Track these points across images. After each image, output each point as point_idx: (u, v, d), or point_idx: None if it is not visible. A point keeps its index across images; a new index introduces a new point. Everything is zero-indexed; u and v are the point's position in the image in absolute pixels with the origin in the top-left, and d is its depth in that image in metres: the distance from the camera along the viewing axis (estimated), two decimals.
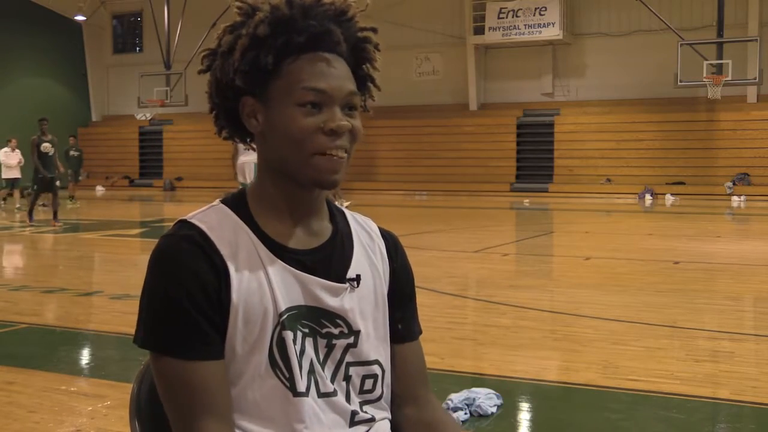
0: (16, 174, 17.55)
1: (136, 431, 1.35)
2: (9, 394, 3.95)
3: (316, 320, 1.27)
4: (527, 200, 21.25)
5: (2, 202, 18.47)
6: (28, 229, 13.00)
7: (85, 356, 5.03)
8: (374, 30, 1.32)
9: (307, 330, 1.26)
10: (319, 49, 1.24)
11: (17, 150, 17.78)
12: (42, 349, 5.01)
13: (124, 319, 5.59)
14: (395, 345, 1.38)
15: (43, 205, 16.74)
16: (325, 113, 1.22)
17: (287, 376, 1.24)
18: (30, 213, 13.71)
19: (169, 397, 1.22)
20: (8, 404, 3.78)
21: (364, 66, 1.32)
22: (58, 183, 14.12)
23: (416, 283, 1.46)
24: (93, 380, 4.27)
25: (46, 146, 13.70)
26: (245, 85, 1.24)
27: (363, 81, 1.33)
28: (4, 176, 17.71)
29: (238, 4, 1.28)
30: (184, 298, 1.19)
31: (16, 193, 17.74)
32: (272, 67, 1.23)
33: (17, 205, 17.27)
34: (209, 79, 1.30)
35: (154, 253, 1.23)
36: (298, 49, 1.23)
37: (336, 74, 1.24)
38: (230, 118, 1.31)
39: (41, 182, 13.74)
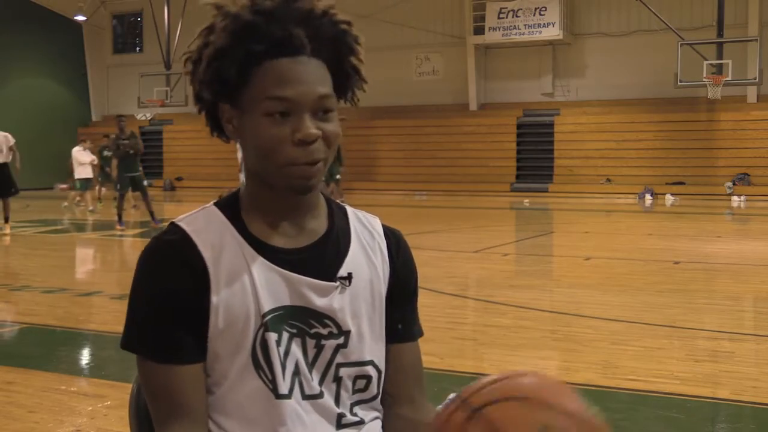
0: (87, 173, 17.08)
1: (135, 431, 1.35)
2: (9, 394, 3.95)
3: (304, 320, 1.26)
4: (527, 200, 21.23)
5: (75, 204, 17.44)
6: (119, 234, 12.35)
7: (85, 356, 5.03)
8: (348, 23, 1.27)
9: (294, 330, 1.25)
10: (282, 55, 1.19)
11: (87, 150, 17.40)
12: (42, 349, 5.01)
13: (124, 319, 5.58)
14: (393, 344, 1.36)
15: (134, 206, 16.22)
16: (292, 122, 1.19)
17: (270, 377, 1.23)
18: (119, 217, 12.86)
19: (148, 398, 1.25)
20: (8, 404, 3.78)
21: (348, 59, 1.28)
22: (145, 183, 13.27)
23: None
24: (93, 380, 4.28)
25: (125, 143, 12.89)
26: (212, 96, 1.23)
27: (348, 75, 1.28)
28: (76, 176, 17.25)
29: (217, 4, 1.24)
30: (161, 303, 1.21)
31: (88, 195, 17.04)
32: (236, 78, 1.20)
33: (90, 208, 16.72)
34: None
35: (140, 256, 1.25)
36: (260, 57, 1.19)
37: (303, 79, 1.19)
38: (214, 121, 1.29)
39: (124, 182, 12.93)
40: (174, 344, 1.21)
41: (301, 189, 1.23)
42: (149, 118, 28.73)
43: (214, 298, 1.21)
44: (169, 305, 1.20)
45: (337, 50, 1.25)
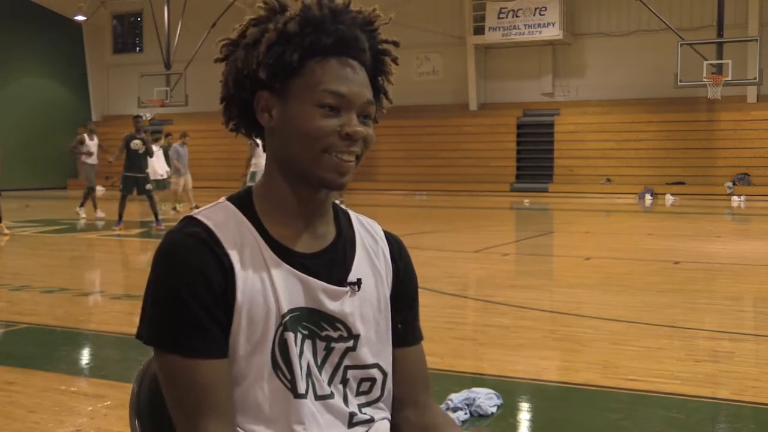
0: (158, 175, 16.84)
1: (136, 431, 1.35)
2: (9, 394, 3.95)
3: (316, 323, 1.28)
4: (527, 200, 21.24)
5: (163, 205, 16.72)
6: (118, 234, 12.07)
7: (85, 356, 5.03)
8: (396, 44, 1.35)
9: (306, 332, 1.27)
10: (345, 54, 1.26)
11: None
12: (42, 349, 5.01)
13: (124, 319, 5.59)
14: (396, 348, 1.38)
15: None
16: (342, 117, 1.24)
17: (289, 377, 1.24)
18: (120, 217, 12.52)
19: (171, 394, 1.22)
20: (8, 404, 3.78)
21: (380, 78, 1.34)
22: (149, 186, 12.94)
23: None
24: (93, 380, 4.27)
25: (136, 143, 12.53)
26: (267, 78, 1.25)
27: (377, 93, 1.33)
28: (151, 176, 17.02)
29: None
30: (189, 295, 1.19)
31: (163, 195, 16.66)
32: (297, 64, 1.24)
33: (173, 206, 16.51)
34: (225, 68, 1.31)
35: (160, 249, 1.23)
36: (324, 50, 1.24)
37: (357, 81, 1.26)
38: (243, 110, 1.31)
39: (127, 182, 12.68)
40: (203, 337, 1.20)
41: (333, 182, 1.25)
42: (149, 118, 28.72)
43: (239, 296, 1.22)
44: (198, 296, 1.19)
45: (375, 66, 1.32)
